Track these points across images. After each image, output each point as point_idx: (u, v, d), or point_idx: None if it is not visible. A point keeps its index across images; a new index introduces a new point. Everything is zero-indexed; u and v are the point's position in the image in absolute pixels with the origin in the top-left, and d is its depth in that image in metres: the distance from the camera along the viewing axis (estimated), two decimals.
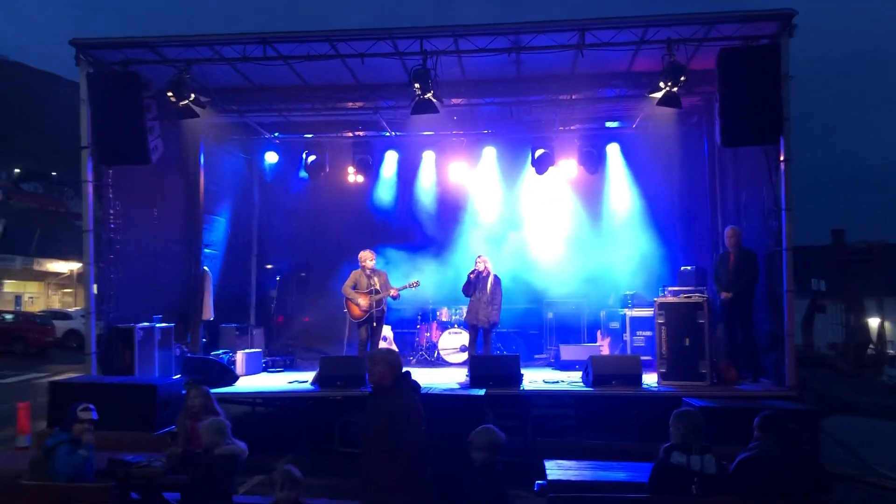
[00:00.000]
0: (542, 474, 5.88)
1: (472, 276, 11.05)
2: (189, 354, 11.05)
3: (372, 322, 10.96)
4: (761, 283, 9.58)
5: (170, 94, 9.75)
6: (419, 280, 11.69)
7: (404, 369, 4.88)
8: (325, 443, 9.29)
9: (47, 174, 51.00)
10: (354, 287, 10.96)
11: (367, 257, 11.09)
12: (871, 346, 33.97)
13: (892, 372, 27.03)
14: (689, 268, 11.73)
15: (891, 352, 33.51)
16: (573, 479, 5.66)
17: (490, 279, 10.94)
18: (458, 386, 9.44)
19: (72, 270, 41.55)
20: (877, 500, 8.13)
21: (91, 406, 5.71)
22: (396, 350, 5.42)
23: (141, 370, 9.73)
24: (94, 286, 9.79)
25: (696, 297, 9.53)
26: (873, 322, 36.32)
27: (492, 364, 9.71)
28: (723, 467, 4.70)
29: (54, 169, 49.93)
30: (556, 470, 5.84)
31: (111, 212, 10.19)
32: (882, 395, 20.55)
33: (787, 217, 8.85)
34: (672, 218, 13.30)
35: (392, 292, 11.07)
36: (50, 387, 8.65)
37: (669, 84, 9.26)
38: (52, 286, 43.89)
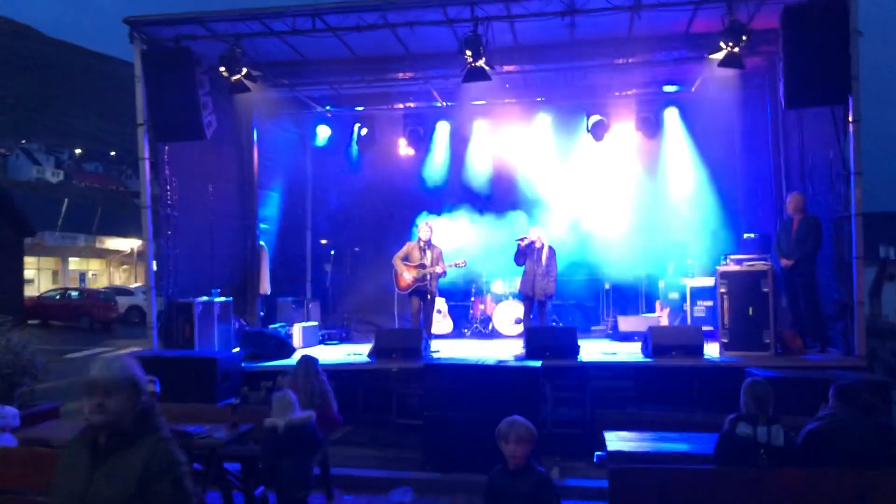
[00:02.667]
0: (602, 445, 5.79)
1: (521, 243, 10.86)
2: (247, 328, 11.20)
3: (425, 295, 10.92)
4: (829, 250, 9.22)
5: (222, 68, 9.80)
6: (465, 260, 11.55)
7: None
8: (382, 414, 9.36)
9: (107, 154, 52.35)
10: (406, 259, 10.92)
11: (422, 229, 11.02)
12: None
13: None
14: (751, 235, 11.38)
15: None
16: (634, 450, 5.56)
17: (545, 251, 10.76)
18: (513, 358, 9.36)
19: (132, 248, 42.70)
20: None
21: (155, 379, 5.80)
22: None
23: (201, 344, 9.88)
24: (154, 262, 9.98)
25: (760, 265, 9.26)
26: None
27: (548, 335, 9.59)
28: (791, 439, 4.54)
29: (113, 149, 51.24)
30: (617, 441, 5.73)
31: (168, 188, 10.34)
32: None
33: (855, 181, 8.46)
34: (733, 184, 12.85)
35: (439, 269, 10.98)
36: None
37: (731, 45, 8.91)
38: (114, 263, 45.23)
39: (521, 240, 10.87)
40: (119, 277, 45.06)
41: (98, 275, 44.40)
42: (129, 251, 43.71)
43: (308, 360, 7.26)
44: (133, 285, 35.00)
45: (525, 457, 4.00)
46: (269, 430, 5.68)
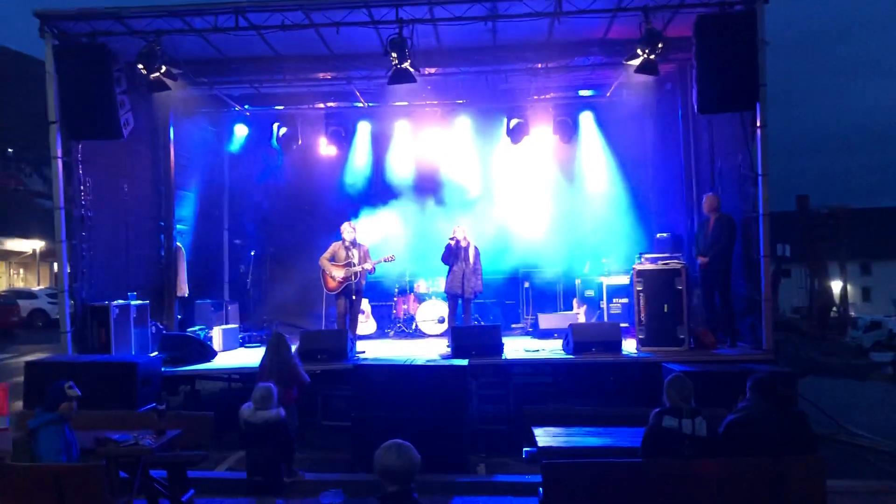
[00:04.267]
0: (528, 441, 5.92)
1: (451, 243, 10.99)
2: (166, 331, 10.93)
3: (351, 295, 10.89)
4: (738, 249, 9.71)
5: (140, 66, 9.52)
6: (394, 255, 11.61)
7: None
8: (308, 417, 9.29)
9: (2, 151, 49.70)
10: (332, 259, 10.87)
11: (346, 229, 10.96)
12: (835, 308, 34.86)
13: (854, 333, 27.80)
14: (664, 235, 11.84)
15: (853, 314, 34.41)
16: (563, 445, 5.71)
17: (472, 249, 10.94)
18: (439, 357, 9.46)
19: (34, 249, 40.71)
20: (850, 458, 8.38)
21: (72, 383, 5.61)
22: None
23: (117, 348, 9.59)
24: (67, 264, 9.62)
25: (673, 264, 9.62)
26: (836, 285, 37.23)
27: (473, 334, 9.75)
28: (713, 430, 4.79)
29: (10, 145, 48.66)
30: (546, 437, 5.87)
31: (81, 188, 9.97)
32: (847, 355, 21.15)
33: (763, 182, 8.96)
34: (646, 186, 13.36)
35: (368, 266, 11.00)
36: (26, 367, 8.50)
37: (647, 51, 9.22)
38: (14, 265, 43.00)
39: (452, 240, 10.98)
40: (20, 280, 42.89)
41: None
42: (30, 252, 41.64)
43: (279, 337, 7.83)
44: (37, 288, 33.45)
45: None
46: (246, 420, 6.03)
